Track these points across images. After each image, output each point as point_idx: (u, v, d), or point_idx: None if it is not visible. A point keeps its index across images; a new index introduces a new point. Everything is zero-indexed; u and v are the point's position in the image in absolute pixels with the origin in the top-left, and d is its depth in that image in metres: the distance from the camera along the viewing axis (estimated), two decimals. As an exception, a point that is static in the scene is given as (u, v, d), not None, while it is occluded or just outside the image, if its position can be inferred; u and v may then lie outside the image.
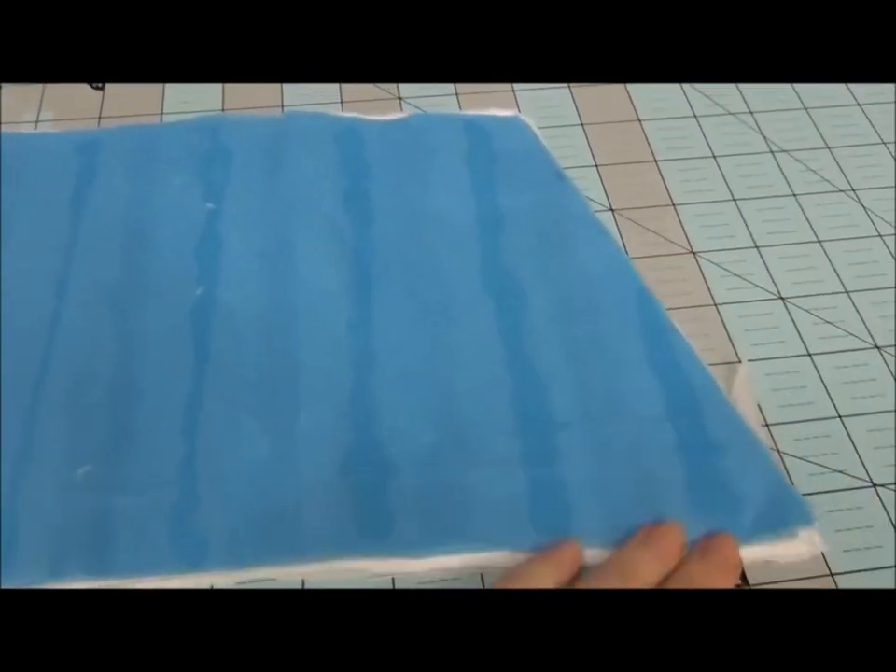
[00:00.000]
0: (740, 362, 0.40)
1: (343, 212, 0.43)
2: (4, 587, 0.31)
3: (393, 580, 0.34)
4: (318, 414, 0.36)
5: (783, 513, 0.33)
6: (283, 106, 0.49)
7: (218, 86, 0.50)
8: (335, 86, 0.50)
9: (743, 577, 0.35)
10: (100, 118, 0.48)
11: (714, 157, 0.48)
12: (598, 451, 0.35)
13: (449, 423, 0.36)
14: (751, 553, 0.33)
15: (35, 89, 0.49)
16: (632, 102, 0.51)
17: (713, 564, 0.31)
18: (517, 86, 0.51)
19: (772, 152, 0.49)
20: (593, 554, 0.32)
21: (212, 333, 0.38)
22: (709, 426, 0.36)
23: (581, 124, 0.49)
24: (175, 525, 0.33)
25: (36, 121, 0.48)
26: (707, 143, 0.49)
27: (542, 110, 0.50)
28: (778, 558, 0.33)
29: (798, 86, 0.52)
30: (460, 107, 0.50)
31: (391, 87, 0.51)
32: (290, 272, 0.40)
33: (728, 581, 0.31)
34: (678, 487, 0.34)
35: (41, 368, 0.37)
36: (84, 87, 0.50)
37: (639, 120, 0.50)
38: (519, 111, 0.49)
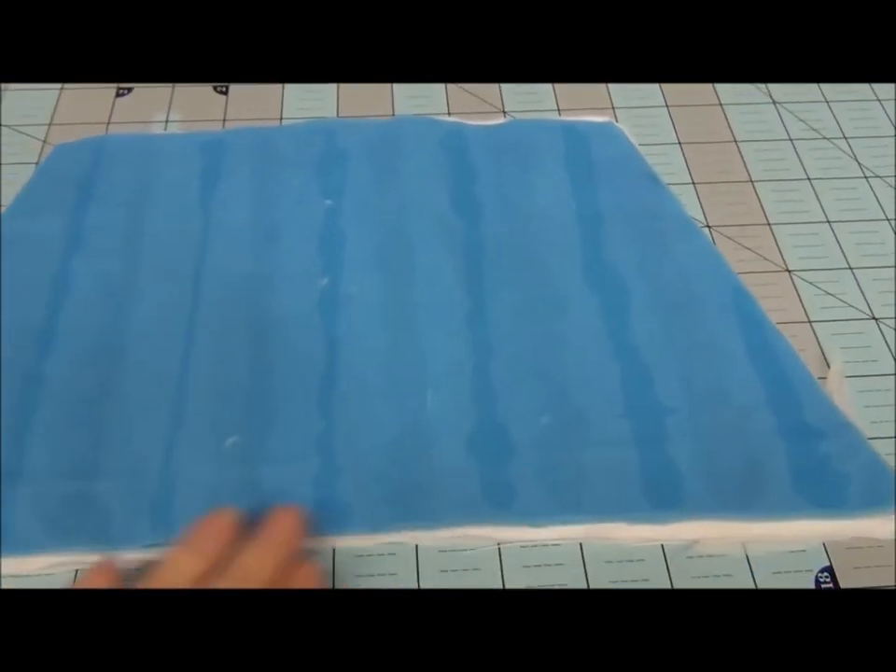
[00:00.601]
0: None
1: (452, 210, 0.46)
2: (168, 543, 0.34)
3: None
4: (444, 397, 0.39)
5: (885, 492, 0.36)
6: (394, 114, 0.52)
7: (334, 93, 0.53)
8: (443, 98, 0.53)
9: (832, 574, 0.36)
10: (224, 120, 0.51)
11: (809, 179, 0.50)
12: (704, 434, 0.38)
13: (563, 406, 0.38)
14: (855, 529, 0.35)
15: (164, 92, 0.53)
16: (728, 123, 0.53)
17: (264, 543, 0.31)
18: (616, 103, 0.53)
19: (866, 178, 0.50)
20: (706, 526, 0.35)
21: (339, 321, 0.41)
22: (808, 414, 0.38)
23: (679, 143, 0.51)
24: (319, 493, 0.36)
25: (166, 121, 0.51)
26: (802, 166, 0.50)
27: (641, 128, 0.52)
28: (880, 535, 0.35)
29: (892, 112, 0.53)
30: (560, 122, 0.52)
31: (496, 101, 0.53)
32: (408, 265, 0.43)
33: (278, 557, 0.31)
34: (781, 469, 0.37)
35: (185, 349, 0.40)
36: (209, 91, 0.53)
37: (735, 141, 0.52)
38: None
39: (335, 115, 0.52)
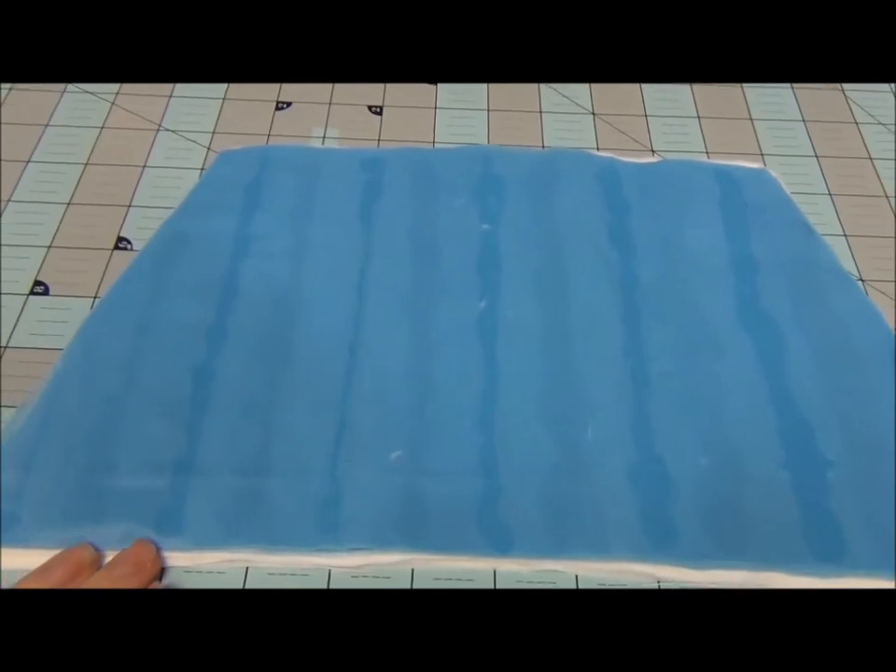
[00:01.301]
0: None
1: (609, 243, 0.46)
2: (336, 548, 0.35)
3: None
4: (604, 428, 0.39)
5: None
6: (543, 145, 0.53)
7: (485, 120, 0.54)
8: (592, 133, 0.54)
9: None
10: (379, 140, 0.53)
11: (963, 239, 0.49)
12: (868, 489, 0.37)
13: (721, 448, 0.38)
14: None
15: (321, 109, 0.54)
16: (879, 177, 0.52)
17: (106, 573, 0.33)
18: (766, 151, 0.53)
19: None
20: (869, 584, 0.35)
21: (497, 343, 0.42)
22: None
23: (830, 194, 0.51)
24: (482, 512, 0.36)
25: (323, 137, 0.53)
26: (956, 225, 0.50)
27: (788, 176, 0.52)
28: None
29: None
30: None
31: (644, 138, 0.54)
32: (564, 293, 0.44)
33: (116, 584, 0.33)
34: None
35: (350, 355, 0.41)
36: (364, 110, 0.55)
37: (886, 196, 0.51)
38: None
39: (486, 142, 0.53)
